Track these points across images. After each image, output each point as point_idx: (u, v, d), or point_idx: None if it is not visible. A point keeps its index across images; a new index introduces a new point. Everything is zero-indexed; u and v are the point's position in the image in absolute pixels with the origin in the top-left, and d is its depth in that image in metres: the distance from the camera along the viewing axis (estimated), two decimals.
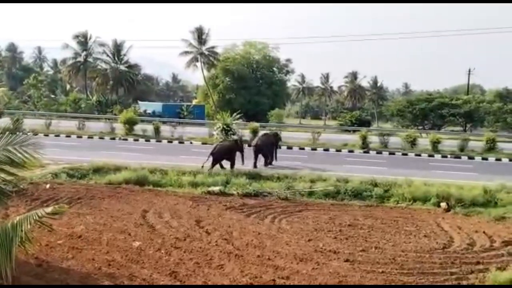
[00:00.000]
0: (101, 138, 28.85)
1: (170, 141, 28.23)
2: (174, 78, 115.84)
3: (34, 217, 6.80)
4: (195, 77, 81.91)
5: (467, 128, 50.68)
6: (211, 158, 17.84)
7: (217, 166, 18.07)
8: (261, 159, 19.72)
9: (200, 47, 61.26)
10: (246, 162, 18.88)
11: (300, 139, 28.83)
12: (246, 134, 28.88)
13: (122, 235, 10.40)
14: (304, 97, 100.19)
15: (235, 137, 23.07)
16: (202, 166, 17.33)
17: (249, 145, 21.24)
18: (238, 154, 18.77)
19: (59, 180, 15.75)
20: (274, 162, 20.45)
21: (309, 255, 9.61)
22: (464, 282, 8.55)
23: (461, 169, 20.77)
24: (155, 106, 55.33)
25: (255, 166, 19.20)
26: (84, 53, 63.56)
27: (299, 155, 23.78)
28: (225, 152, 18.44)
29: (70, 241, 9.78)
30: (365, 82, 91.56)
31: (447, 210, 14.06)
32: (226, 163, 18.18)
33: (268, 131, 24.73)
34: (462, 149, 26.83)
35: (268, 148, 20.34)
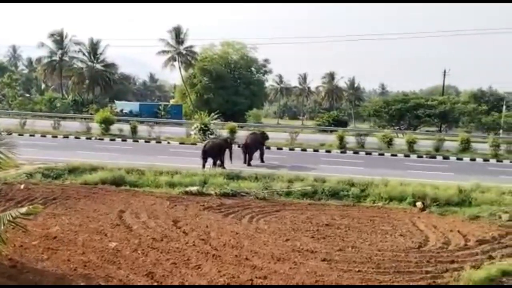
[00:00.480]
0: (77, 137, 28.51)
1: (147, 141, 28.04)
2: (152, 77, 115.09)
3: (8, 218, 6.70)
4: (173, 76, 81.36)
5: (442, 129, 51.34)
6: (201, 157, 18.33)
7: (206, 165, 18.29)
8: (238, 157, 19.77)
9: (178, 47, 61.00)
10: (233, 161, 19.27)
11: (278, 139, 28.89)
12: (224, 133, 28.85)
13: (98, 235, 10.29)
14: (282, 97, 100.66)
15: (224, 135, 23.28)
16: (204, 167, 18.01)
17: (239, 145, 21.35)
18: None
19: (34, 180, 15.53)
20: (256, 162, 20.86)
21: (287, 254, 9.63)
22: (439, 281, 8.66)
23: (437, 169, 21.04)
24: (132, 105, 54.98)
25: (246, 163, 20.15)
26: (60, 52, 62.79)
27: (277, 155, 23.83)
28: (217, 150, 18.89)
29: (45, 242, 9.64)
30: (342, 83, 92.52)
31: (423, 209, 14.23)
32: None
33: (256, 131, 24.94)
34: (437, 149, 27.19)
35: (256, 146, 20.97)
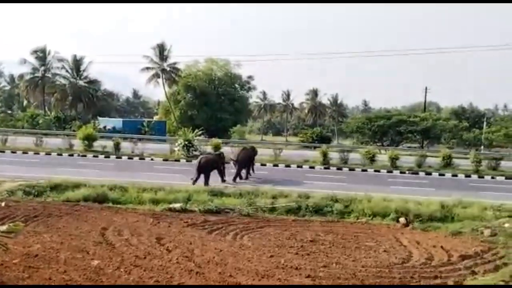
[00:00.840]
0: (59, 154, 28.21)
1: (130, 158, 27.86)
2: (135, 94, 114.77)
3: None
4: (157, 93, 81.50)
5: (424, 145, 51.79)
6: (196, 172, 18.80)
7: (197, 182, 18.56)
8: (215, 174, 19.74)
9: (162, 63, 60.96)
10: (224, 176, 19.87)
11: (262, 155, 28.85)
12: (208, 150, 28.81)
13: (80, 253, 10.16)
14: (266, 113, 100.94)
15: (208, 151, 24.08)
16: (191, 179, 18.57)
17: (232, 160, 21.32)
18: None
19: (15, 198, 15.35)
20: (249, 176, 21.44)
21: (271, 271, 9.59)
22: None
23: (419, 185, 21.19)
24: (115, 122, 54.67)
25: (239, 178, 20.57)
26: (43, 68, 62.37)
27: (261, 171, 23.81)
28: (211, 165, 19.35)
29: (26, 260, 9.48)
30: (325, 99, 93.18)
31: (406, 225, 14.31)
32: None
33: (246, 146, 25.20)
34: (419, 165, 27.39)
35: (246, 162, 21.41)
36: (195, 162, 20.33)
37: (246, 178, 21.25)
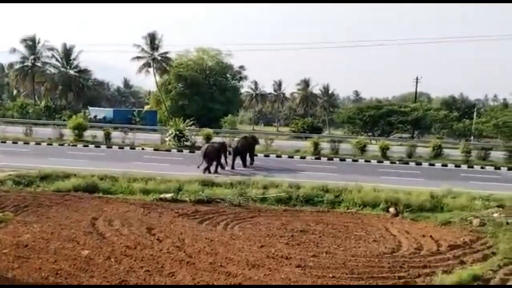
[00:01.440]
0: (49, 144, 28.09)
1: (121, 148, 27.78)
2: (126, 83, 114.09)
3: None
4: (148, 82, 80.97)
5: (415, 135, 52.06)
6: (204, 160, 19.51)
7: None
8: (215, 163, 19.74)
9: (153, 53, 60.67)
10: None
11: None
12: (199, 140, 28.80)
13: (71, 243, 10.14)
14: (257, 103, 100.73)
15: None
16: (198, 167, 19.23)
17: (232, 148, 21.76)
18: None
19: (5, 188, 15.25)
20: (248, 165, 22.11)
21: (261, 261, 9.62)
22: None
23: (409, 175, 21.31)
24: (106, 111, 54.43)
25: (233, 167, 20.99)
26: (32, 57, 61.91)
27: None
28: (216, 153, 20.09)
29: (16, 250, 9.45)
30: (317, 90, 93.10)
31: (396, 215, 14.37)
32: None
33: (246, 134, 25.58)
34: (410, 156, 27.52)
35: (245, 150, 21.97)
36: (201, 150, 20.80)
37: (245, 166, 21.70)
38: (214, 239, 11.03)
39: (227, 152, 21.13)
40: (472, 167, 25.44)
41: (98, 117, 49.49)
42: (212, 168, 19.88)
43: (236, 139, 24.68)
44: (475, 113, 59.31)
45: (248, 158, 22.25)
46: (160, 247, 10.17)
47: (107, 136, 29.25)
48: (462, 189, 16.28)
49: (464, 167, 25.42)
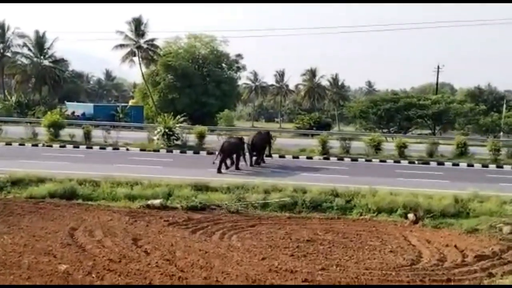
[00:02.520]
0: (21, 144, 28.05)
1: (102, 148, 27.75)
2: (108, 75, 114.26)
3: None
4: (132, 74, 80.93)
5: (436, 131, 52.02)
6: (219, 156, 20.67)
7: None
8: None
9: (138, 40, 60.63)
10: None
11: None
12: (191, 139, 28.79)
13: (46, 257, 10.14)
14: (257, 97, 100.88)
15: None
16: (213, 163, 20.37)
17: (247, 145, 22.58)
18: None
19: None
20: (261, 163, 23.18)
21: (263, 275, 9.63)
22: None
23: (430, 176, 21.29)
24: (86, 107, 54.39)
25: (251, 164, 22.21)
26: (1, 46, 61.87)
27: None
28: (235, 149, 21.26)
29: None
30: (324, 81, 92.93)
31: (415, 222, 14.38)
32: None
33: (261, 130, 26.63)
34: (431, 154, 27.49)
35: (260, 147, 23.08)
36: (218, 145, 21.86)
37: (258, 163, 22.82)
38: (209, 251, 11.03)
39: (244, 149, 22.10)
40: (502, 167, 25.43)
41: (76, 114, 49.42)
42: (226, 166, 21.01)
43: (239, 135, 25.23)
44: (504, 106, 59.21)
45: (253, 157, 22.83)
46: (147, 261, 10.17)
47: (87, 135, 29.21)
48: (491, 192, 16.31)
49: (492, 167, 25.39)
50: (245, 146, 22.23)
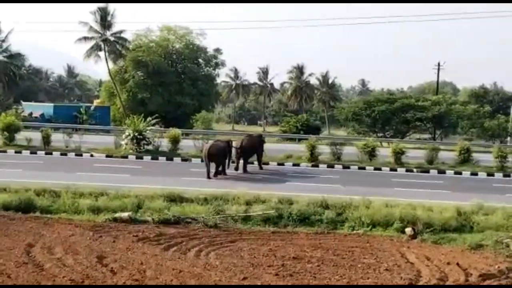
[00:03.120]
0: None
1: (64, 154, 27.59)
2: (70, 71, 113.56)
3: None
4: (98, 70, 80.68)
5: (436, 136, 52.40)
6: (209, 163, 21.67)
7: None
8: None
9: (104, 32, 60.32)
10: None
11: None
12: (164, 143, 28.72)
13: None
14: (237, 96, 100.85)
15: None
16: (209, 177, 21.45)
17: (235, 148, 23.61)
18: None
19: None
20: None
21: None
22: None
23: (430, 186, 21.42)
24: (45, 107, 54.14)
25: (240, 169, 23.45)
26: None
27: (231, 170, 23.81)
28: (223, 153, 22.09)
29: None
30: (313, 79, 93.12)
31: (413, 237, 14.44)
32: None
33: (252, 133, 27.76)
34: (430, 162, 27.68)
35: (251, 150, 24.16)
36: (203, 151, 22.79)
37: (245, 171, 23.67)
38: (184, 270, 10.99)
39: (231, 153, 23.15)
40: (509, 175, 25.67)
41: (34, 115, 49.15)
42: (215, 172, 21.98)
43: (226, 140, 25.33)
44: (511, 108, 59.79)
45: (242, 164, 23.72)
46: (114, 281, 10.12)
47: (46, 139, 29.02)
48: (497, 204, 16.43)
49: (498, 175, 25.64)
50: (233, 150, 23.06)
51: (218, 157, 21.86)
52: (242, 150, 23.35)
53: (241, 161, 23.72)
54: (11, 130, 29.88)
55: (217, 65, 68.40)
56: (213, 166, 22.02)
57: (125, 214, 15.05)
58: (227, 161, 22.60)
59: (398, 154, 27.41)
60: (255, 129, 78.23)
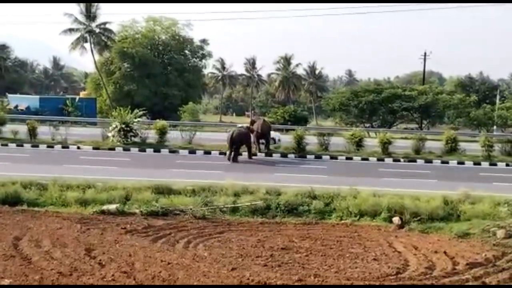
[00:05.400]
0: None
1: (50, 146, 27.48)
2: (56, 63, 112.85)
3: None
4: (84, 62, 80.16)
5: (423, 125, 52.61)
6: (232, 148, 24.08)
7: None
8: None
9: (89, 23, 59.96)
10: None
11: (220, 142, 28.83)
12: (151, 135, 28.66)
13: None
14: (225, 88, 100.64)
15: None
16: (229, 159, 24.06)
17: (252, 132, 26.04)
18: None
19: None
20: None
21: None
22: None
23: (417, 176, 21.55)
24: (30, 100, 53.87)
25: (260, 150, 26.63)
26: None
27: (219, 161, 23.82)
28: (245, 139, 24.59)
29: None
30: (300, 69, 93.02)
31: (401, 226, 14.51)
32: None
33: (263, 118, 30.82)
34: (417, 151, 27.79)
35: (268, 133, 27.03)
36: (227, 136, 24.79)
37: (268, 148, 26.83)
38: (172, 261, 10.99)
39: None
40: (495, 164, 25.84)
41: (20, 107, 48.87)
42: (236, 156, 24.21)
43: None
44: (498, 97, 60.06)
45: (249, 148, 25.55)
46: (102, 274, 10.09)
47: (32, 132, 28.87)
48: (483, 193, 16.53)
49: (485, 164, 25.81)
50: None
51: (241, 142, 24.23)
52: (263, 135, 26.53)
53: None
54: None
55: (203, 56, 68.25)
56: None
57: (112, 206, 15.03)
58: (250, 146, 25.28)
59: (385, 144, 27.51)
60: (243, 120, 78.11)
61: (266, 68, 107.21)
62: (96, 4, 59.71)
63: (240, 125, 28.18)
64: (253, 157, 25.41)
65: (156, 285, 8.56)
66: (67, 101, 52.40)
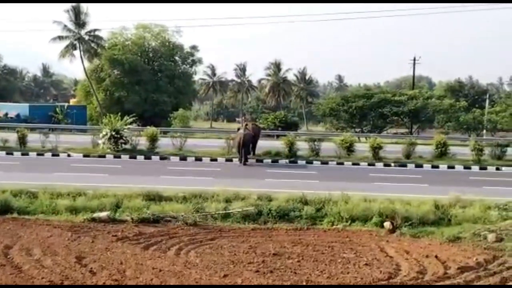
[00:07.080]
0: None
1: (40, 154, 27.37)
2: (45, 71, 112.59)
3: None
4: (73, 69, 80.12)
5: (413, 130, 52.77)
6: (242, 151, 24.80)
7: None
8: None
9: (79, 31, 59.84)
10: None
11: (211, 148, 28.87)
12: (142, 142, 28.59)
13: None
14: (215, 94, 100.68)
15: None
16: (241, 162, 25.04)
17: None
18: None
19: None
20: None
21: None
22: None
23: (408, 180, 21.60)
24: (20, 108, 53.70)
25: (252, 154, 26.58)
26: None
27: (210, 167, 23.79)
28: (252, 141, 25.74)
29: None
30: (291, 75, 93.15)
31: (392, 231, 14.52)
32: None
33: (252, 122, 30.66)
34: (408, 156, 27.87)
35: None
36: (234, 138, 25.99)
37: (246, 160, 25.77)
38: (164, 269, 10.96)
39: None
40: (486, 168, 25.94)
41: (9, 115, 48.73)
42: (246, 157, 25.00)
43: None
44: (487, 101, 60.34)
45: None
46: (93, 282, 10.06)
47: (22, 140, 28.75)
48: (474, 197, 16.56)
49: (475, 168, 25.91)
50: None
51: (249, 144, 25.15)
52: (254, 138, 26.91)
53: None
54: None
55: (193, 62, 68.23)
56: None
57: (103, 214, 14.97)
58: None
59: (376, 149, 27.56)
60: (234, 126, 78.07)
61: (258, 73, 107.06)
62: (85, 11, 59.59)
63: (240, 129, 27.19)
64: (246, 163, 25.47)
65: (154, 285, 8.50)
66: (57, 109, 52.25)
